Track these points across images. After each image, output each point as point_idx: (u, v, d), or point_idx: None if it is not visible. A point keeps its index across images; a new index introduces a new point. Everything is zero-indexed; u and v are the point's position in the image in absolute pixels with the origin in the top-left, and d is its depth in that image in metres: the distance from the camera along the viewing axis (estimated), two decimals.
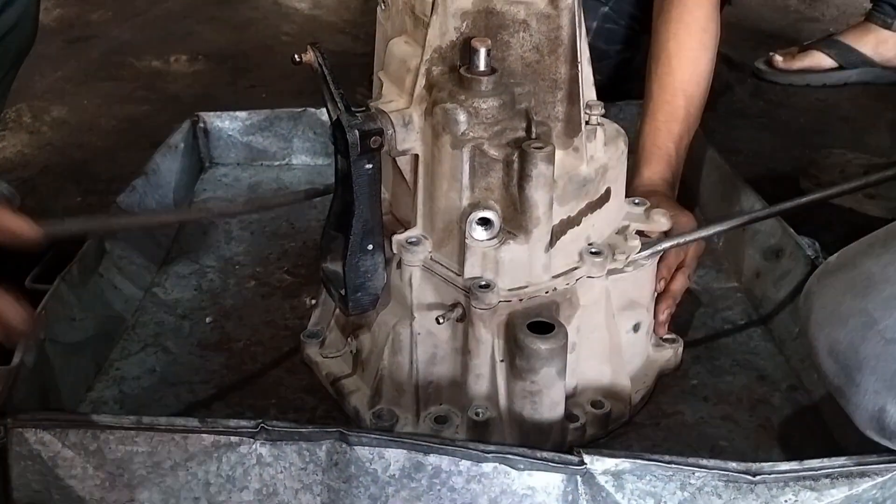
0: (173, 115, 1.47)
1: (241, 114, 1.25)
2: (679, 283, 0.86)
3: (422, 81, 0.72)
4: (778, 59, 1.56)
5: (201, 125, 1.24)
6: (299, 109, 1.24)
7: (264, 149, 1.26)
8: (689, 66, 0.98)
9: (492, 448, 0.65)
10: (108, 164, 1.33)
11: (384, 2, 0.78)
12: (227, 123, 1.25)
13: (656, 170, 0.93)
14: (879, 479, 0.65)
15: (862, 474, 0.65)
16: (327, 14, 2.04)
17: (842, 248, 0.69)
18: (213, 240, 1.08)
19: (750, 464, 0.65)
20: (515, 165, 0.69)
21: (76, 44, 1.86)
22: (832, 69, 1.54)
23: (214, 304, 0.96)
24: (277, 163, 1.26)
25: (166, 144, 1.16)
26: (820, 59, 1.54)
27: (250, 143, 1.26)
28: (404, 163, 0.75)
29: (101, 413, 0.75)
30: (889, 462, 0.65)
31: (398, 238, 0.75)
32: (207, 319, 0.93)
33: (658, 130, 0.95)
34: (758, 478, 0.64)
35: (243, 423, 0.65)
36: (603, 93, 1.17)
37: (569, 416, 0.75)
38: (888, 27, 1.51)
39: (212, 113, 1.26)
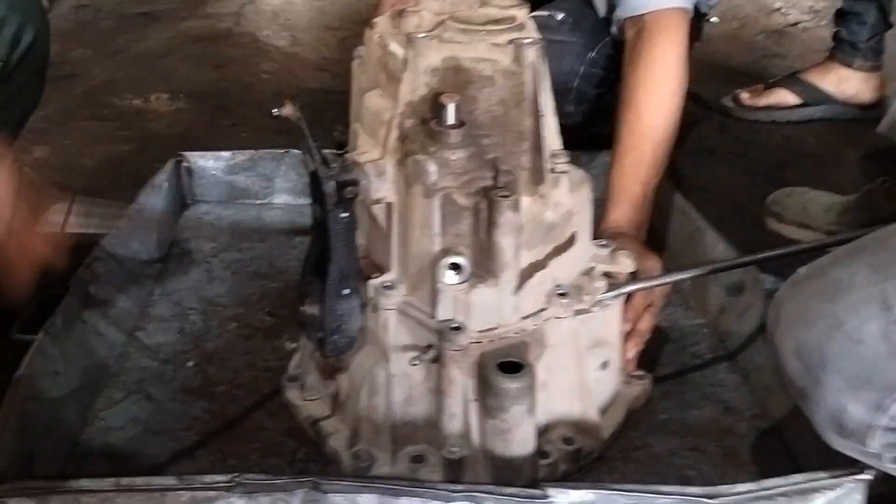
0: (155, 155, 1.49)
1: (225, 154, 1.28)
2: (646, 323, 0.89)
3: (395, 133, 0.75)
4: (744, 96, 1.61)
5: (185, 164, 1.26)
6: (282, 151, 1.27)
7: (246, 187, 1.29)
8: (658, 113, 1.02)
9: (460, 487, 0.68)
10: None
11: (359, 57, 0.82)
12: (210, 163, 1.28)
13: (624, 212, 0.97)
14: (832, 494, 0.69)
15: (814, 490, 0.69)
16: (306, 51, 2.07)
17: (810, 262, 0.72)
18: (195, 280, 1.10)
19: (709, 487, 0.68)
20: (484, 213, 0.73)
21: (57, 82, 1.87)
22: (797, 106, 1.59)
23: (197, 348, 0.97)
24: (259, 201, 1.28)
25: (150, 184, 1.18)
26: (785, 97, 1.59)
27: (233, 181, 1.28)
28: (379, 210, 0.78)
29: (86, 466, 0.76)
30: (837, 477, 0.69)
31: (374, 283, 0.78)
32: (190, 363, 0.95)
33: (626, 174, 0.99)
34: (716, 500, 0.67)
35: (219, 478, 0.67)
36: (580, 131, 1.23)
37: (540, 452, 0.78)
38: (849, 66, 1.56)
39: (196, 153, 1.28)
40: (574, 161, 1.19)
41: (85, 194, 1.39)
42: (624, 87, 1.06)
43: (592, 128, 1.25)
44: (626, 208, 0.97)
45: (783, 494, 0.68)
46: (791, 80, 1.61)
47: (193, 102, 1.76)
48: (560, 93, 1.24)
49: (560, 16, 1.26)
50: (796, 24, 2.15)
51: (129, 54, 2.06)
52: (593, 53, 1.23)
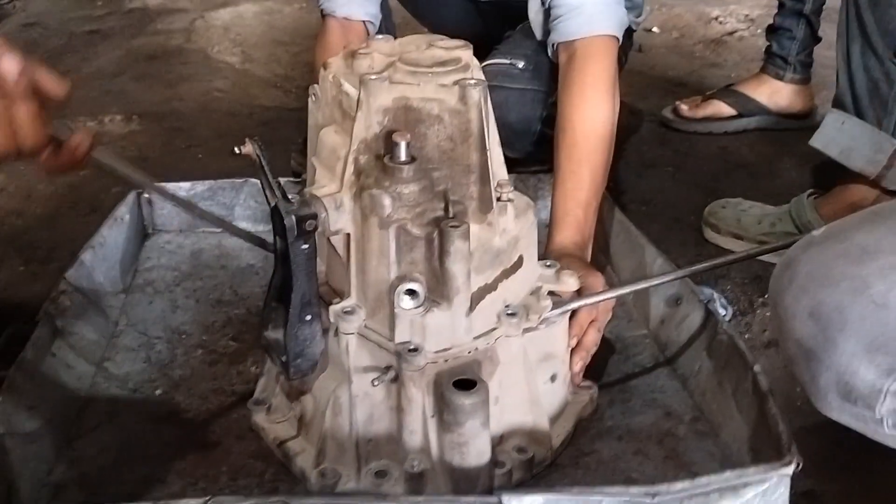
0: (112, 180, 1.50)
1: (185, 184, 1.30)
2: (591, 338, 0.94)
3: (350, 168, 0.80)
4: (683, 108, 1.69)
5: (146, 195, 1.28)
6: (241, 180, 1.29)
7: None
8: (593, 138, 1.07)
9: (421, 499, 0.72)
10: (49, 231, 1.36)
11: (314, 94, 0.86)
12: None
13: (567, 234, 1.02)
14: (761, 488, 0.74)
15: (745, 485, 0.74)
16: (258, 68, 2.09)
17: (827, 226, 0.72)
18: (160, 310, 1.12)
19: (649, 486, 0.73)
20: (436, 242, 0.78)
21: None
22: (732, 117, 1.67)
23: (164, 376, 1.00)
24: (219, 230, 1.29)
25: (112, 217, 1.20)
26: (721, 108, 1.68)
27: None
28: (338, 240, 0.82)
29: (62, 496, 0.78)
30: (766, 472, 0.74)
31: (335, 308, 0.82)
32: (157, 392, 0.97)
33: (567, 198, 1.04)
34: (656, 499, 0.72)
35: (192, 501, 0.70)
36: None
37: (496, 462, 0.83)
38: (780, 78, 1.65)
39: (157, 184, 1.30)
40: (522, 184, 1.26)
41: (44, 221, 1.42)
42: (560, 113, 1.11)
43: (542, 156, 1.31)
44: (569, 231, 1.02)
45: (717, 490, 0.73)
46: (726, 92, 1.70)
47: (147, 123, 1.76)
48: (523, 135, 1.31)
49: (521, 64, 1.31)
50: (733, 32, 2.25)
51: (79, 74, 2.05)
52: (553, 98, 1.29)
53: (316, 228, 0.77)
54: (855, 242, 0.66)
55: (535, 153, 1.33)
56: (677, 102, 1.71)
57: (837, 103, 1.24)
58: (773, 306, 0.71)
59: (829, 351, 0.64)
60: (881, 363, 0.63)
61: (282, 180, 0.82)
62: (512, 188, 0.83)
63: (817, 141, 1.25)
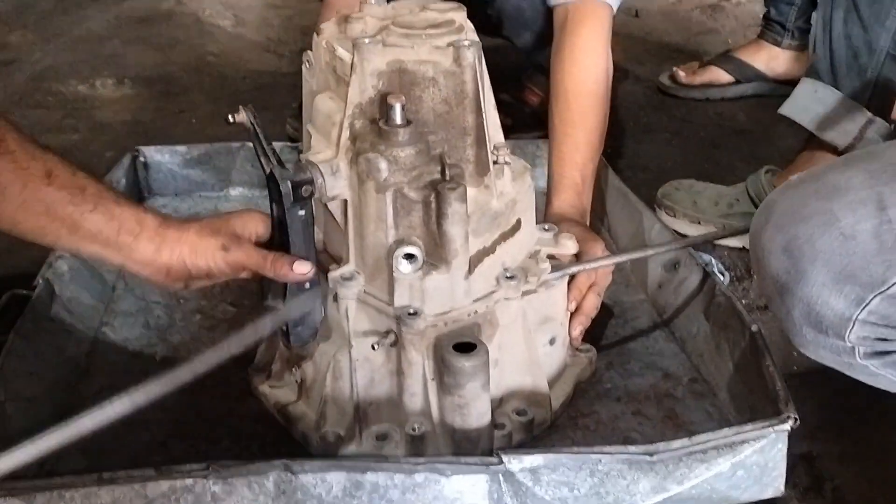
0: (105, 144, 1.50)
1: (181, 148, 1.29)
2: (590, 302, 0.94)
3: (346, 134, 0.79)
4: (681, 74, 1.68)
5: (141, 159, 1.28)
6: (237, 144, 1.29)
7: (203, 181, 1.30)
8: (585, 102, 1.07)
9: (421, 460, 0.73)
10: None
11: (308, 61, 0.85)
12: (166, 157, 1.29)
13: (565, 198, 1.02)
14: (758, 445, 0.75)
15: (742, 442, 0.74)
16: (251, 32, 2.06)
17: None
18: None
19: (648, 445, 0.73)
20: (433, 205, 0.77)
21: None
22: (729, 83, 1.66)
23: (163, 341, 1.00)
24: (215, 194, 1.30)
25: (107, 180, 1.19)
26: (718, 75, 1.67)
27: (189, 175, 1.30)
28: (335, 206, 0.82)
29: (64, 462, 0.78)
30: (764, 429, 0.74)
31: (333, 275, 0.82)
32: (157, 356, 0.98)
33: (563, 162, 1.04)
34: (655, 457, 0.73)
35: (195, 466, 0.70)
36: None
37: (496, 424, 0.84)
38: (778, 44, 1.64)
39: (152, 147, 1.29)
40: (520, 150, 1.26)
41: None
42: (552, 79, 1.09)
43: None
44: (567, 195, 1.02)
45: (714, 448, 0.74)
46: (724, 58, 1.69)
47: (140, 87, 1.75)
48: (531, 21, 1.26)
49: None
50: None
51: (70, 37, 2.03)
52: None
53: (312, 194, 0.77)
54: (828, 181, 0.68)
55: (536, 50, 1.29)
56: (675, 69, 1.70)
57: (812, 72, 1.19)
58: (752, 248, 0.73)
59: (801, 283, 0.66)
60: (849, 293, 0.65)
61: (277, 146, 0.82)
62: (508, 151, 0.83)
63: (787, 109, 1.20)
